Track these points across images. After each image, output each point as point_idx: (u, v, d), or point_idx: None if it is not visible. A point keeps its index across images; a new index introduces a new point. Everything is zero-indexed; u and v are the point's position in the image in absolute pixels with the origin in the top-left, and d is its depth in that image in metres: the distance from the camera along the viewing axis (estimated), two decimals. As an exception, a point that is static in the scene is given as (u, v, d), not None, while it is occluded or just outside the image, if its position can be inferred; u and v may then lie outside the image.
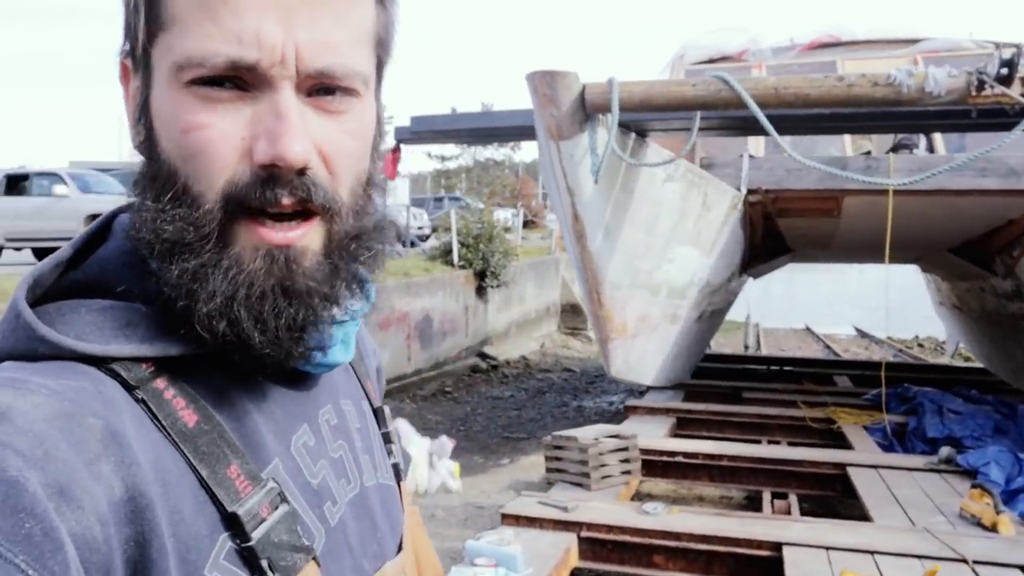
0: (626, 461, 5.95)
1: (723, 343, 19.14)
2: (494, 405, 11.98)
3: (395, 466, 0.91)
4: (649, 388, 9.19)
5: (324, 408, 0.78)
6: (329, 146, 0.64)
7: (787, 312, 28.99)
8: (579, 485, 5.72)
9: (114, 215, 0.73)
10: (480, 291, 15.29)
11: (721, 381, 10.58)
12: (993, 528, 4.62)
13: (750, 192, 7.35)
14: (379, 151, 0.74)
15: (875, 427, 7.53)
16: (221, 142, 0.61)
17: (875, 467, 6.10)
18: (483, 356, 15.18)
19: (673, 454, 6.69)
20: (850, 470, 6.06)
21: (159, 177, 0.64)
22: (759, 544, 4.51)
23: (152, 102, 0.65)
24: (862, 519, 5.18)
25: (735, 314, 18.26)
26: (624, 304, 6.41)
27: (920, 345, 20.76)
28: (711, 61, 8.99)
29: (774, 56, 9.00)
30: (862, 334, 22.91)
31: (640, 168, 5.66)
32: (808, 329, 24.08)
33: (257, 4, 0.60)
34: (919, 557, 4.19)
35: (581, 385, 13.70)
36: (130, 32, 0.66)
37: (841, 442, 7.28)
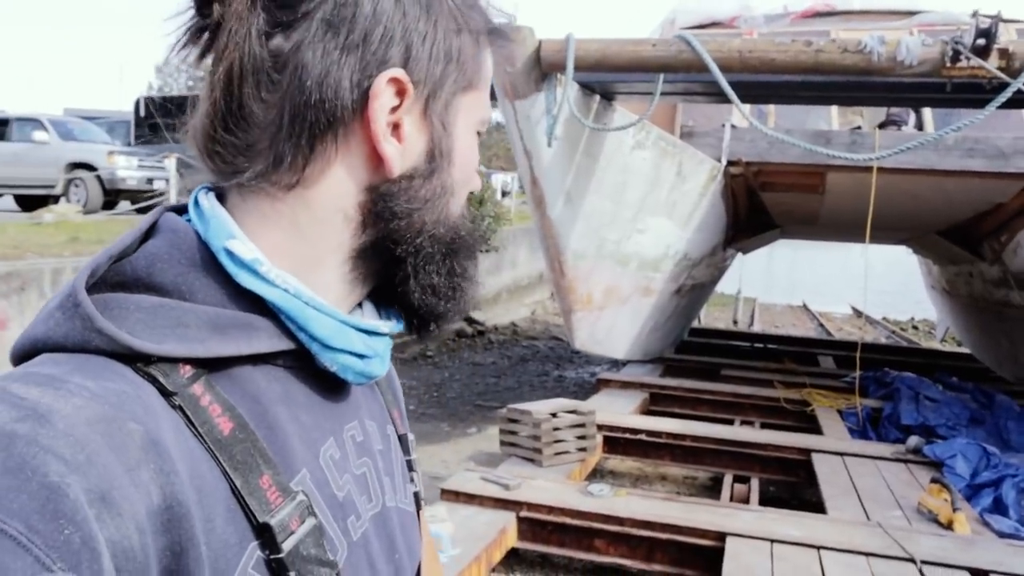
0: (583, 437, 5.74)
1: (717, 317, 18.93)
2: (473, 371, 11.77)
3: (416, 494, 0.93)
4: (627, 361, 8.99)
5: (350, 424, 0.80)
6: None
7: (788, 288, 28.78)
8: (531, 461, 5.53)
9: (159, 214, 0.73)
10: (469, 255, 15.09)
11: (703, 357, 10.38)
12: (949, 525, 4.42)
13: (731, 163, 7.07)
14: None
15: (849, 411, 7.33)
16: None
17: (840, 454, 5.90)
18: (470, 321, 14.95)
19: (636, 431, 6.50)
20: (814, 456, 5.86)
21: (445, 189, 0.77)
22: (703, 533, 4.33)
23: (452, 136, 0.76)
24: (820, 508, 4.99)
25: (730, 287, 18.02)
26: (589, 275, 6.16)
27: (915, 327, 20.52)
28: (702, 27, 8.64)
29: (766, 24, 8.64)
30: (858, 313, 22.67)
31: (606, 133, 5.38)
32: (805, 306, 23.87)
33: None
34: (866, 555, 4.00)
35: (566, 355, 13.49)
36: (439, 76, 0.74)
37: (813, 426, 7.08)
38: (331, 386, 0.77)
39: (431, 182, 0.74)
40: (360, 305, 0.80)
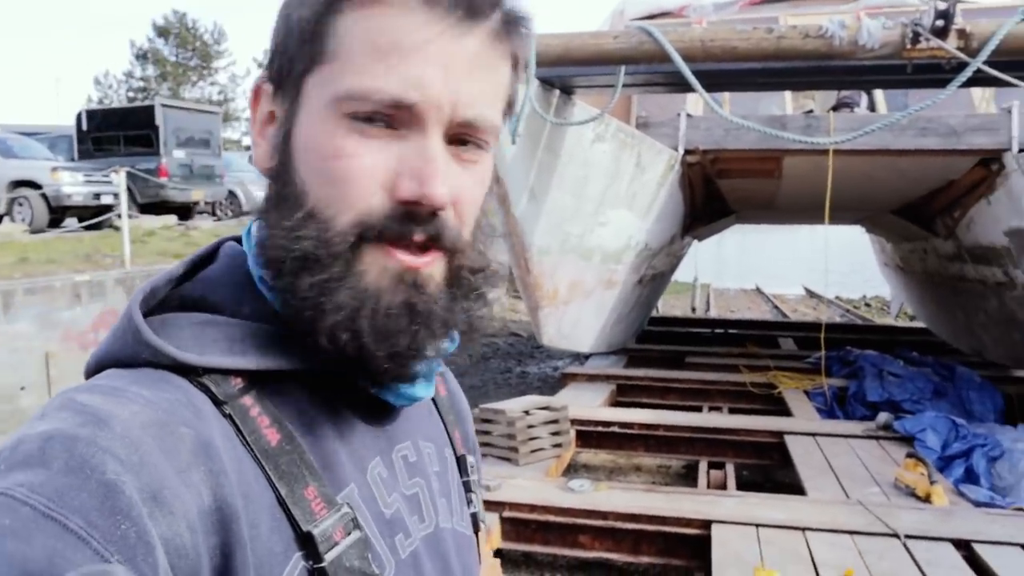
0: (557, 434, 5.72)
1: (674, 304, 19.10)
2: (435, 372, 11.70)
3: (474, 515, 0.90)
4: (590, 354, 8.99)
5: (401, 444, 0.79)
6: (460, 193, 0.68)
7: (739, 273, 29.17)
8: (508, 460, 5.49)
9: (222, 242, 0.77)
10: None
11: (666, 345, 10.45)
12: (927, 499, 4.49)
13: (688, 152, 7.10)
14: (488, 199, 0.77)
15: (816, 392, 7.43)
16: (365, 172, 0.65)
17: (812, 435, 5.97)
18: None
19: (608, 424, 6.49)
20: (787, 438, 5.92)
21: (291, 200, 0.68)
22: (688, 522, 4.33)
23: (298, 128, 0.68)
24: (798, 489, 5.03)
25: (685, 275, 18.20)
26: (554, 270, 6.13)
27: (867, 305, 20.96)
28: (651, 17, 8.66)
29: (715, 12, 8.70)
30: (811, 294, 23.07)
31: (566, 128, 5.35)
32: (758, 290, 24.22)
33: (425, 53, 0.64)
34: (850, 533, 4.04)
35: (527, 350, 13.49)
36: (283, 59, 0.69)
37: (781, 408, 7.16)
38: (380, 405, 0.76)
39: (279, 181, 0.70)
40: None
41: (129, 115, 16.27)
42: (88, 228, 12.52)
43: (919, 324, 13.40)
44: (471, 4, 0.65)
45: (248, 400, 0.65)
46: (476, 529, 0.91)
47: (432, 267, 0.69)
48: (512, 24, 0.69)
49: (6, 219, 12.75)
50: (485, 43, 0.66)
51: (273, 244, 0.68)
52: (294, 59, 0.68)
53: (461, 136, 0.68)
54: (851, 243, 19.15)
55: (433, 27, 0.64)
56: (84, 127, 15.92)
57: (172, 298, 0.71)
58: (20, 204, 12.93)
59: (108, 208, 13.10)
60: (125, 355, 0.65)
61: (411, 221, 0.65)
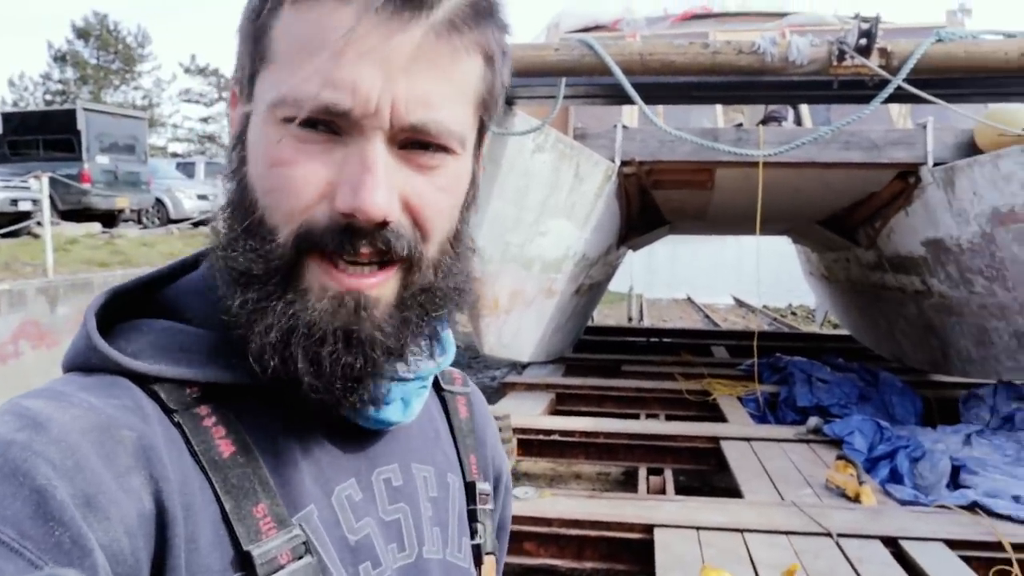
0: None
1: (607, 314, 19.34)
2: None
3: (475, 547, 0.83)
4: (529, 363, 9.06)
5: (385, 467, 0.75)
6: (417, 200, 0.63)
7: (670, 283, 29.67)
8: (450, 470, 5.49)
9: (210, 249, 0.72)
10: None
11: (602, 355, 10.58)
12: (857, 499, 4.66)
13: (624, 164, 7.23)
14: (471, 212, 0.72)
15: (749, 398, 7.62)
16: (304, 181, 0.61)
17: (747, 439, 6.12)
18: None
19: (549, 432, 6.54)
20: (723, 443, 6.06)
21: (240, 207, 0.64)
22: (631, 527, 4.39)
23: (248, 133, 0.65)
24: (735, 493, 5.16)
25: (619, 285, 18.46)
26: (495, 279, 6.18)
27: (793, 313, 21.55)
28: (586, 30, 8.82)
29: (648, 26, 8.91)
30: (739, 303, 23.63)
31: (507, 138, 5.41)
32: (689, 299, 24.67)
33: (358, 52, 0.59)
34: (786, 533, 4.16)
35: (463, 360, 13.49)
36: (239, 60, 0.67)
37: (716, 414, 7.32)
38: (358, 427, 0.72)
39: (230, 187, 0.66)
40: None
41: (49, 118, 15.74)
42: (4, 236, 12.09)
43: (844, 332, 13.86)
44: None
45: (203, 410, 0.63)
46: (479, 562, 0.84)
47: (381, 287, 0.63)
48: (474, 12, 0.62)
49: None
50: (433, 35, 0.60)
51: (220, 253, 0.65)
52: (245, 60, 0.66)
53: (416, 140, 0.62)
54: (777, 253, 19.71)
55: (367, 20, 0.58)
56: (0, 130, 15.36)
57: (151, 302, 0.70)
58: (-71, 211, 12.42)
59: (27, 215, 12.65)
60: (80, 361, 0.64)
61: (354, 235, 0.60)
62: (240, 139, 0.65)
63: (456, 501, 0.83)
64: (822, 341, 12.37)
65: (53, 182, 12.22)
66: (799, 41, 4.04)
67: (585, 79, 4.62)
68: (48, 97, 42.73)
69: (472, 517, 0.84)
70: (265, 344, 0.61)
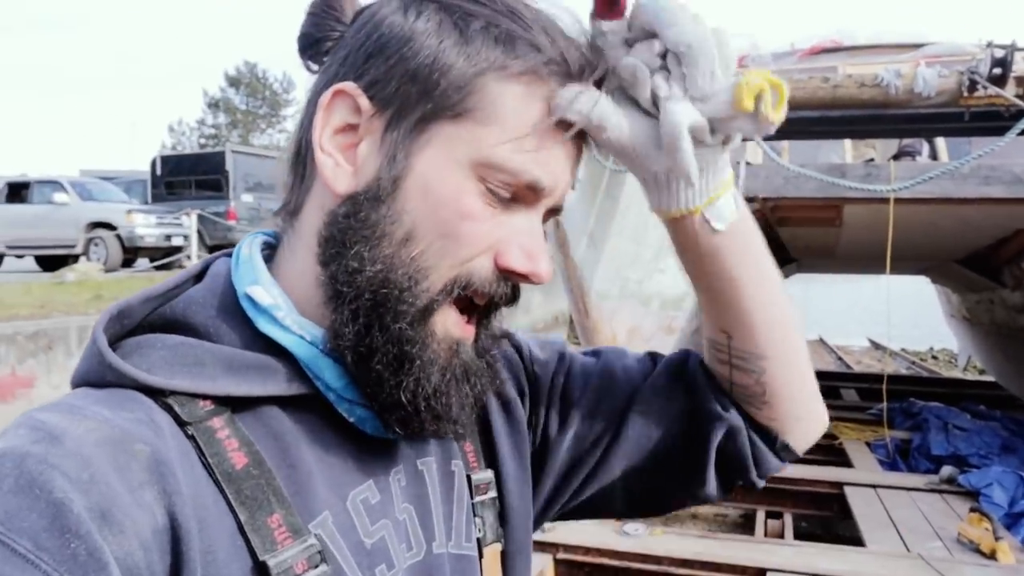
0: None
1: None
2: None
3: (479, 539, 0.85)
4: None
5: (397, 467, 0.77)
6: None
7: (803, 323, 28.65)
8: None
9: (215, 258, 0.77)
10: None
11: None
12: (992, 555, 4.37)
13: (747, 200, 7.10)
14: None
15: (878, 443, 7.27)
16: (483, 237, 0.67)
17: (874, 486, 5.84)
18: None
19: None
20: (847, 489, 5.81)
21: (387, 233, 0.66)
22: (743, 570, 4.28)
23: (418, 169, 0.67)
24: (857, 541, 4.94)
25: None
26: (613, 315, 6.19)
27: (934, 357, 20.38)
28: (711, 67, 8.76)
29: (774, 61, 8.74)
30: (876, 346, 22.53)
31: (626, 175, 5.45)
32: (821, 340, 23.73)
33: (563, 152, 0.70)
34: (910, 586, 3.96)
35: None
36: (403, 90, 0.67)
37: (842, 459, 7.02)
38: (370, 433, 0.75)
39: (376, 211, 0.67)
40: None
41: (201, 160, 16.95)
42: (158, 268, 13.04)
43: (988, 378, 13.01)
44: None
45: (217, 422, 0.64)
46: (481, 552, 0.85)
47: (473, 332, 0.73)
48: None
49: (83, 258, 13.36)
50: None
51: (349, 267, 0.67)
52: (422, 97, 0.67)
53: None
54: (917, 294, 18.73)
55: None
56: (158, 171, 16.63)
57: (154, 317, 0.71)
58: (96, 244, 13.56)
59: (178, 249, 13.63)
60: (92, 376, 0.65)
61: (505, 286, 0.71)
62: (396, 167, 0.67)
63: (461, 491, 0.84)
64: (962, 387, 11.63)
65: (202, 219, 13.14)
66: (925, 72, 3.92)
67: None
68: (202, 141, 45.87)
69: (472, 511, 0.85)
70: (406, 381, 0.67)
